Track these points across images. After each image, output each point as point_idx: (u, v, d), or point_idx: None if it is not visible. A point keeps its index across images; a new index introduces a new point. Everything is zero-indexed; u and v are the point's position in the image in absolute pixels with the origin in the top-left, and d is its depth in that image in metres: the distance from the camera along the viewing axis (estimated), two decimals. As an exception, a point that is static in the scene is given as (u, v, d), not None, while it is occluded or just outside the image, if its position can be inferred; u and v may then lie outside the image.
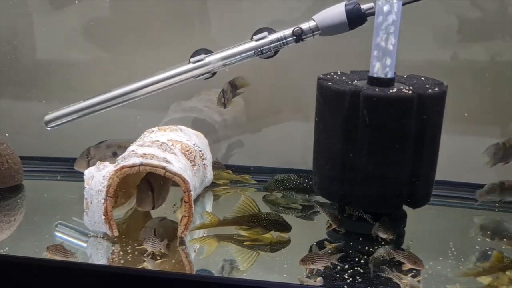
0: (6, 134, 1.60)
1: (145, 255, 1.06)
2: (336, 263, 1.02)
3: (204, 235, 1.16)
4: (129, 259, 1.05)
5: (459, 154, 1.45)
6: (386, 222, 1.13)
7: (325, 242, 1.14)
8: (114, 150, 1.46)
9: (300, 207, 1.33)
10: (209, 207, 1.35)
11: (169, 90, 1.38)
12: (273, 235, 1.15)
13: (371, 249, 1.10)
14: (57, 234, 1.19)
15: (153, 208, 1.18)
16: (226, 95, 1.40)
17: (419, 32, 1.47)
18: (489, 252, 1.10)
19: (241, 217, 1.14)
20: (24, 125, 1.63)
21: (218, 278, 1.01)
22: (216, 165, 1.46)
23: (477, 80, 1.48)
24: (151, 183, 1.16)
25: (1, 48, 1.64)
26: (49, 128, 1.41)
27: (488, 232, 1.23)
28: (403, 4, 1.12)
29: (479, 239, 1.20)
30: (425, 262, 1.02)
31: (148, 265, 1.03)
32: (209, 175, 1.39)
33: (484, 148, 1.34)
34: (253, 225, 1.14)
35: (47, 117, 1.40)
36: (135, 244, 1.10)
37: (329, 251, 1.08)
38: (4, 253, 1.07)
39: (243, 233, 1.14)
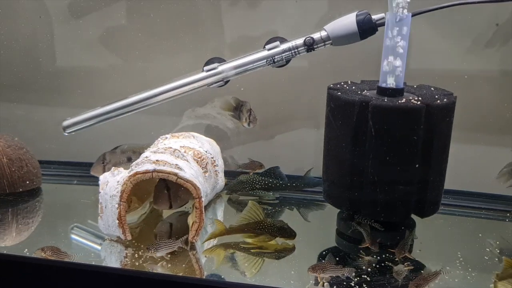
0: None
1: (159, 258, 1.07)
2: (351, 277, 1.01)
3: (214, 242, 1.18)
4: (141, 262, 1.08)
5: (468, 163, 1.45)
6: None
7: (360, 252, 1.13)
8: (129, 156, 1.49)
9: (277, 200, 1.37)
10: (220, 213, 1.37)
11: (182, 97, 1.41)
12: (277, 242, 1.16)
13: (378, 257, 1.11)
14: (73, 236, 1.22)
15: (170, 208, 1.21)
16: (253, 112, 1.43)
17: (430, 41, 1.47)
18: (496, 259, 1.10)
19: (247, 224, 1.15)
20: (43, 130, 1.68)
21: (226, 284, 1.03)
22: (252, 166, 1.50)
23: (488, 88, 1.48)
24: (167, 183, 1.18)
25: (22, 55, 1.70)
26: (67, 134, 1.45)
27: (498, 242, 1.23)
28: (413, 15, 1.14)
29: (488, 249, 1.20)
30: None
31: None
32: (221, 181, 1.42)
33: (494, 157, 1.34)
34: (260, 232, 1.15)
35: (65, 123, 1.44)
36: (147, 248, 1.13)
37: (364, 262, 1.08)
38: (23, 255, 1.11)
39: (249, 240, 1.16)
